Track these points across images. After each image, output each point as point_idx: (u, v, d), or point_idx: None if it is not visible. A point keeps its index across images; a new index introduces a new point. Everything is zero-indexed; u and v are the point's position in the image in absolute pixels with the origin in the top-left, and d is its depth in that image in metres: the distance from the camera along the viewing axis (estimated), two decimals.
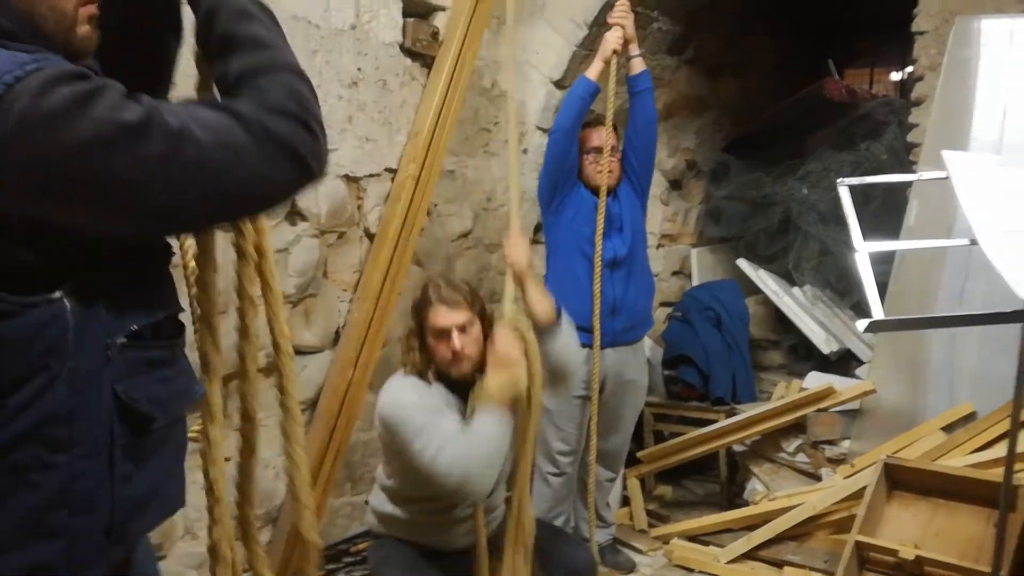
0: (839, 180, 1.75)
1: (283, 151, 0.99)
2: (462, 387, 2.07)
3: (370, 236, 2.85)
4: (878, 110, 4.45)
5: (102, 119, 0.87)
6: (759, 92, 4.87)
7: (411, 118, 2.95)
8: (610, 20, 2.84)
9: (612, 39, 2.78)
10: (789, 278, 4.36)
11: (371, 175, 2.85)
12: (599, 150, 2.83)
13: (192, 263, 1.29)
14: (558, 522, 2.89)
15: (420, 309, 2.06)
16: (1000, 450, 2.57)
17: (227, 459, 1.31)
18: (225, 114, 0.97)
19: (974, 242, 1.65)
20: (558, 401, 2.78)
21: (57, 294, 0.95)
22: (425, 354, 2.05)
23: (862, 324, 1.52)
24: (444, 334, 2.01)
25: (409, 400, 1.99)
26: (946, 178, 1.67)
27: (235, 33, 1.05)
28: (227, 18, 1.06)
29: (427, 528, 2.11)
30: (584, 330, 2.77)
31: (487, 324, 2.09)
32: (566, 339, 2.18)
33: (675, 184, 4.63)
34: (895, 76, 6.90)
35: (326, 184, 2.69)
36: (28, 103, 0.85)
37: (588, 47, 3.45)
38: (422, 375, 2.05)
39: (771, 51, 4.96)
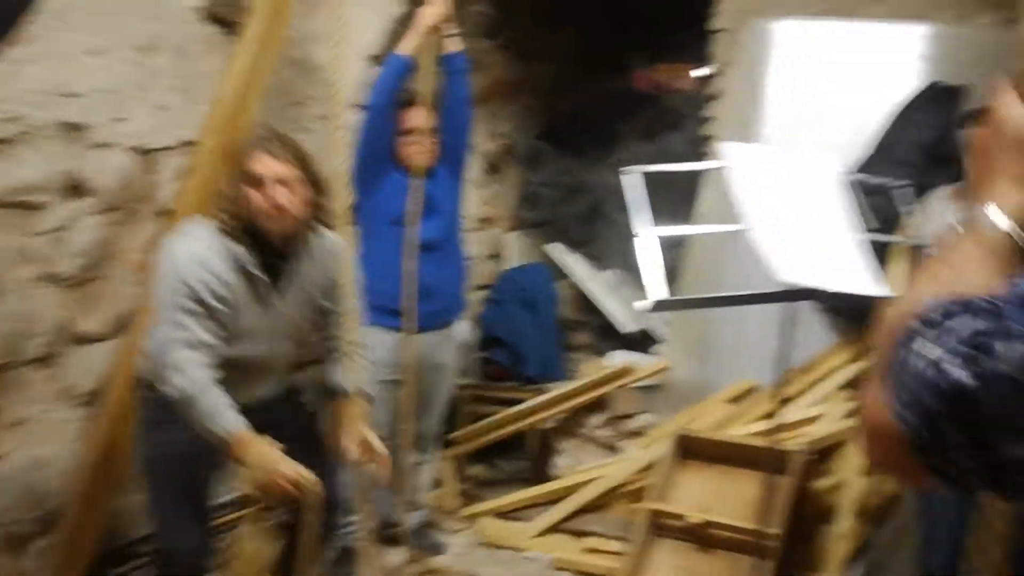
0: (620, 168, 1.84)
1: None
2: (273, 249, 1.89)
3: (164, 213, 2.65)
4: (680, 104, 4.72)
5: None
6: (571, 80, 5.01)
7: (213, 88, 2.77)
8: None
9: (429, 14, 2.73)
10: (600, 261, 4.54)
11: (166, 148, 2.65)
12: (415, 130, 2.79)
13: None
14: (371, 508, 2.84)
15: (237, 156, 1.86)
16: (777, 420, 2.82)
17: None
18: None
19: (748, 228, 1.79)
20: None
21: None
22: (238, 204, 1.84)
23: (643, 304, 1.60)
24: (260, 182, 1.81)
25: (184, 273, 1.80)
26: (723, 168, 1.80)
27: None
28: None
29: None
30: (395, 313, 2.75)
31: (320, 196, 1.89)
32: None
33: (492, 168, 4.68)
34: (697, 72, 7.32)
35: (114, 156, 2.48)
36: None
37: (405, 23, 3.39)
38: (227, 225, 1.85)
39: (583, 40, 5.11)
